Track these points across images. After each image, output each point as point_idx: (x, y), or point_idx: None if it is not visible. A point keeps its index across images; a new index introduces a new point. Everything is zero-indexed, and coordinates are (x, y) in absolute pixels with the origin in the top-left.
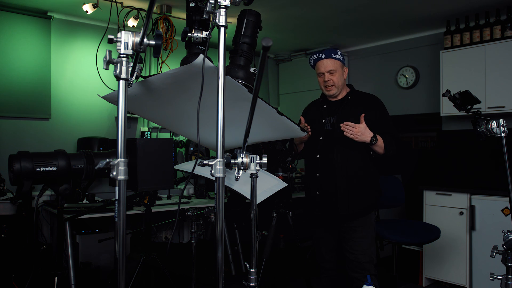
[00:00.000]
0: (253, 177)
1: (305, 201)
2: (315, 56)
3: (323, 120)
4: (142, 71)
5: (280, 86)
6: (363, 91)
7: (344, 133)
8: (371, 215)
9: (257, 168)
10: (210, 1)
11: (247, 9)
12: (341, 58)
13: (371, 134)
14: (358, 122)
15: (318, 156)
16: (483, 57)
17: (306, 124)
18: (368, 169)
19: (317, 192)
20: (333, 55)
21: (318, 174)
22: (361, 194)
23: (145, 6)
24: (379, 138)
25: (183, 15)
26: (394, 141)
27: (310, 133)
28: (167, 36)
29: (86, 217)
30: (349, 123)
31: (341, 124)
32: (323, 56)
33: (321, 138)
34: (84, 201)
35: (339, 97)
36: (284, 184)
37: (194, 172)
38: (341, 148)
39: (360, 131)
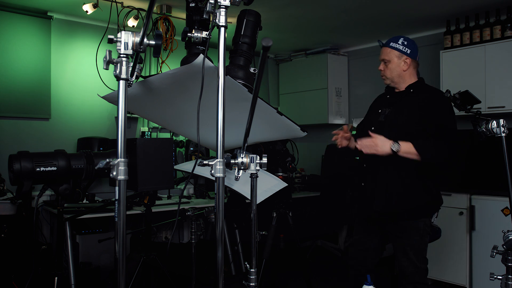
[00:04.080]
0: (253, 177)
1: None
2: (380, 43)
3: (379, 111)
4: (142, 71)
5: (280, 86)
6: (432, 86)
7: (364, 151)
8: (420, 222)
9: (257, 168)
10: (210, 1)
11: (247, 9)
12: (401, 47)
13: (390, 142)
14: (409, 115)
15: None
16: (483, 57)
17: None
18: (416, 168)
19: (362, 184)
20: (390, 44)
21: (365, 165)
22: (402, 193)
23: (145, 6)
24: (404, 144)
25: (183, 15)
26: (432, 146)
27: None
28: (167, 36)
29: (86, 217)
30: (364, 141)
31: (357, 146)
32: (381, 43)
33: (373, 128)
34: (84, 201)
35: (401, 89)
36: (284, 184)
37: (194, 172)
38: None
39: (376, 143)
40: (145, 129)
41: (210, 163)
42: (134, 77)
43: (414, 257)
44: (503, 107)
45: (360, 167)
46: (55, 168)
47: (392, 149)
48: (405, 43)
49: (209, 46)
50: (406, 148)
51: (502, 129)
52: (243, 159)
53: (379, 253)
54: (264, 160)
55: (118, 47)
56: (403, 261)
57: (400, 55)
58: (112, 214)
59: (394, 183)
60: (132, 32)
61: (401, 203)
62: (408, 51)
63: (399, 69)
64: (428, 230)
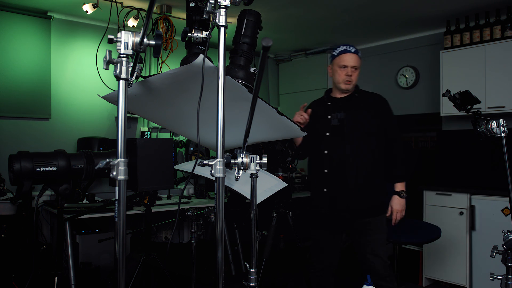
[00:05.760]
0: (253, 177)
1: (310, 199)
2: (343, 47)
3: (329, 116)
4: (142, 71)
5: (280, 86)
6: (367, 90)
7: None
8: (383, 217)
9: (257, 168)
10: (210, 1)
11: (247, 9)
12: (360, 58)
13: (400, 195)
14: (367, 116)
15: (326, 152)
16: (483, 57)
17: (304, 115)
18: (377, 166)
19: (325, 190)
20: (359, 53)
21: (326, 171)
22: (371, 190)
23: (145, 6)
24: (401, 186)
25: (183, 15)
26: (403, 157)
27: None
28: (167, 36)
29: (86, 217)
30: (396, 218)
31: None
32: (352, 50)
33: (327, 134)
34: (84, 201)
35: (345, 94)
36: (284, 184)
37: (194, 172)
38: (351, 144)
39: (402, 210)
40: (145, 129)
41: (210, 163)
42: (134, 77)
43: (381, 253)
44: (503, 107)
45: (318, 173)
46: (55, 168)
47: (404, 196)
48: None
49: (209, 46)
50: (404, 187)
51: (502, 129)
52: (243, 159)
53: (340, 254)
54: (264, 160)
55: (118, 47)
56: (371, 258)
57: (360, 64)
58: (112, 214)
59: (364, 185)
60: (132, 32)
61: (371, 199)
62: None
63: (358, 77)
64: (389, 225)
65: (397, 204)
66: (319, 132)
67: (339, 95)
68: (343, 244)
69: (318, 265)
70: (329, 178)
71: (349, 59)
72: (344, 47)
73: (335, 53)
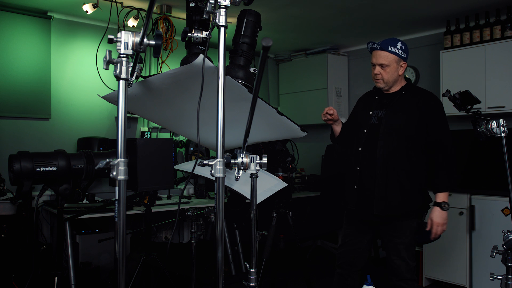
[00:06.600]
0: (253, 177)
1: (343, 193)
2: (370, 45)
3: (370, 112)
4: (142, 71)
5: (280, 86)
6: (421, 87)
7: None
8: (413, 222)
9: (257, 168)
10: (210, 1)
11: (247, 9)
12: (399, 52)
13: (441, 207)
14: (407, 117)
15: (360, 149)
16: (483, 57)
17: (326, 115)
18: (415, 171)
19: (355, 187)
20: (389, 48)
21: (358, 168)
22: (401, 196)
23: (145, 6)
24: (443, 197)
25: (183, 15)
26: (450, 165)
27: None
28: (167, 36)
29: (86, 217)
30: (436, 232)
31: (432, 239)
32: (378, 47)
33: (365, 130)
34: (84, 201)
35: (392, 91)
36: (284, 184)
37: (194, 172)
38: (386, 144)
39: (443, 224)
40: (145, 129)
41: (210, 163)
42: (134, 77)
43: (406, 256)
44: (503, 107)
45: (351, 169)
46: (55, 168)
47: (445, 208)
48: (403, 47)
49: (209, 46)
50: (446, 198)
51: (502, 129)
52: (243, 159)
53: (368, 252)
54: (264, 160)
55: (118, 47)
56: (395, 260)
57: (399, 59)
58: (112, 214)
59: (393, 188)
60: (132, 32)
61: (400, 207)
62: (405, 55)
63: (396, 74)
64: (418, 229)
65: (438, 217)
66: (359, 126)
67: (385, 91)
68: (371, 244)
69: (339, 260)
70: (360, 176)
71: (374, 57)
72: (370, 44)
73: (368, 50)
